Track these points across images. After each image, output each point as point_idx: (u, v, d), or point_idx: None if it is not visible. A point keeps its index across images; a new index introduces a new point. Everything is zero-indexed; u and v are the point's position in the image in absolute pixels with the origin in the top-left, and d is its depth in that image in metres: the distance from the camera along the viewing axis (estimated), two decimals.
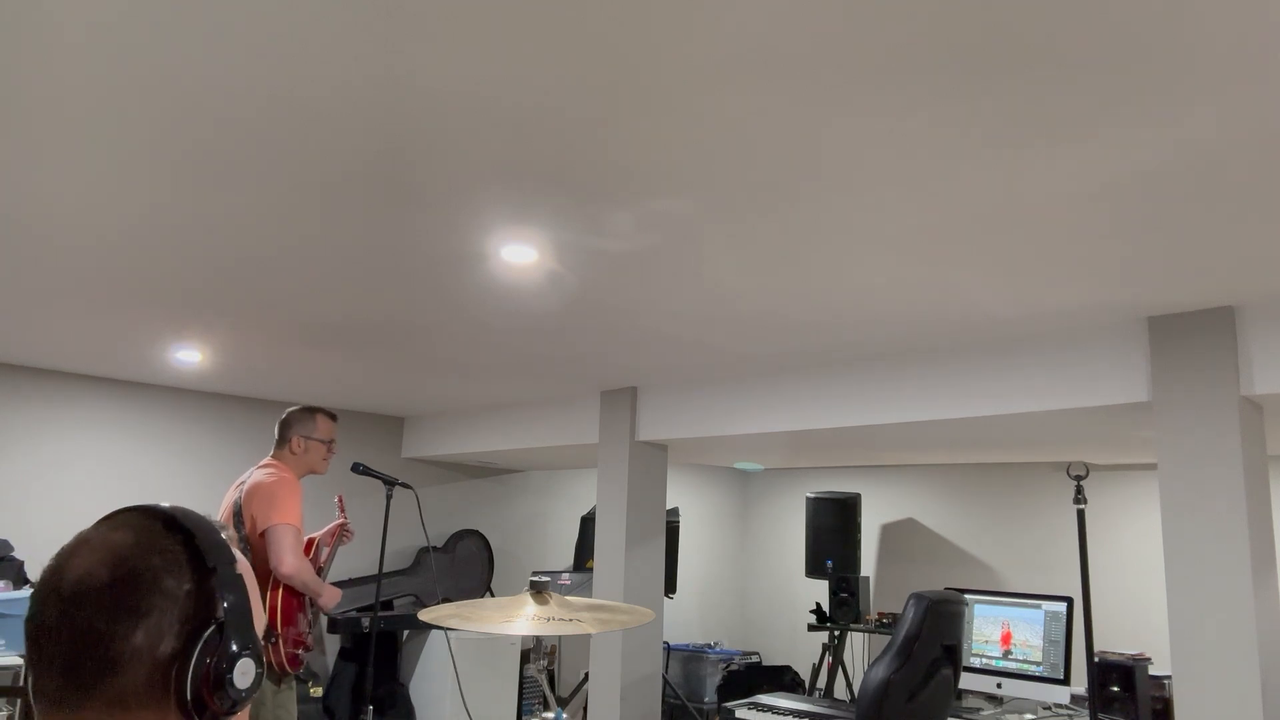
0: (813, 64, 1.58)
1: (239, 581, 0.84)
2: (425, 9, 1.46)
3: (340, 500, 3.79)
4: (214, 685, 0.78)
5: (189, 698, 0.77)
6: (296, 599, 3.28)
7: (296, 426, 3.45)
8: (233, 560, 0.84)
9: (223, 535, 0.87)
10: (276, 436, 3.49)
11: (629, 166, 2.02)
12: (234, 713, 0.80)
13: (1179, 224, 2.24)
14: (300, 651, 3.27)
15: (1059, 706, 4.20)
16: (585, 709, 4.59)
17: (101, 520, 0.84)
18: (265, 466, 3.39)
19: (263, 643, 3.13)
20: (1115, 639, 5.40)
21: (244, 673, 0.80)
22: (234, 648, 0.80)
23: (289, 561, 3.15)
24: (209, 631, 0.79)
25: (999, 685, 4.33)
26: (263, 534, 3.20)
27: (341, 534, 3.65)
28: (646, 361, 4.10)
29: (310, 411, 3.49)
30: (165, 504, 0.86)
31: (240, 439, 5.49)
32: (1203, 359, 2.91)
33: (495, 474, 6.62)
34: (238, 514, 3.28)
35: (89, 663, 0.76)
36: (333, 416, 3.54)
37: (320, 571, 3.51)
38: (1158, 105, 1.68)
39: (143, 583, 0.78)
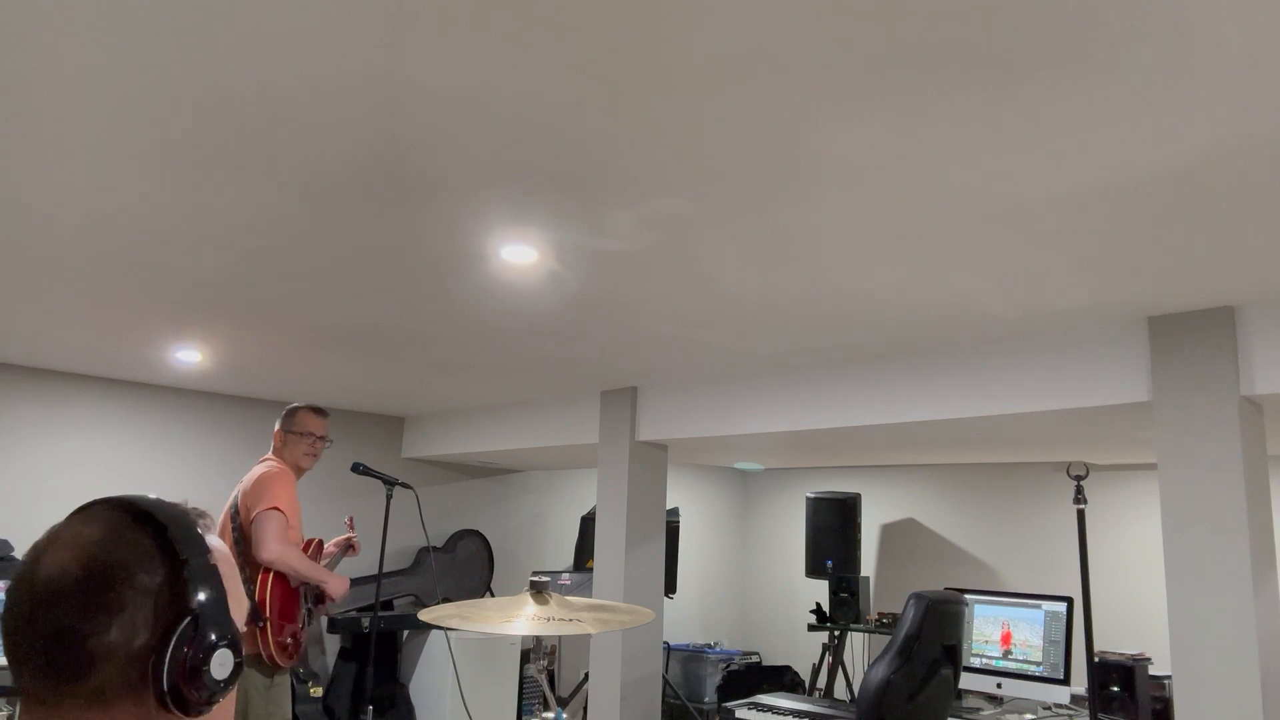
0: (812, 64, 1.58)
1: (213, 572, 0.83)
2: (424, 7, 1.46)
3: (350, 520, 3.82)
4: (190, 677, 0.78)
5: (166, 690, 0.77)
6: (292, 589, 3.26)
7: (280, 421, 3.52)
8: (206, 550, 0.83)
9: (200, 524, 0.85)
10: None
11: (629, 166, 2.02)
12: (214, 703, 0.80)
13: (1179, 224, 2.24)
14: (289, 641, 3.22)
15: (1059, 706, 4.20)
16: (585, 709, 4.59)
17: (74, 513, 0.83)
18: (263, 461, 3.45)
19: (251, 627, 3.03)
20: (1115, 639, 5.40)
21: (221, 663, 0.80)
22: (211, 638, 0.79)
23: (270, 547, 3.13)
24: (184, 624, 0.79)
25: (999, 685, 4.33)
26: (252, 522, 3.21)
27: (349, 546, 3.69)
28: (646, 361, 4.10)
29: (295, 407, 3.53)
30: (138, 495, 0.85)
31: (240, 439, 5.49)
32: (1203, 359, 2.91)
33: (495, 474, 6.62)
34: (235, 508, 3.30)
35: (65, 660, 0.76)
36: (318, 412, 3.54)
37: None
38: (1157, 105, 1.68)
39: (114, 578, 0.78)
